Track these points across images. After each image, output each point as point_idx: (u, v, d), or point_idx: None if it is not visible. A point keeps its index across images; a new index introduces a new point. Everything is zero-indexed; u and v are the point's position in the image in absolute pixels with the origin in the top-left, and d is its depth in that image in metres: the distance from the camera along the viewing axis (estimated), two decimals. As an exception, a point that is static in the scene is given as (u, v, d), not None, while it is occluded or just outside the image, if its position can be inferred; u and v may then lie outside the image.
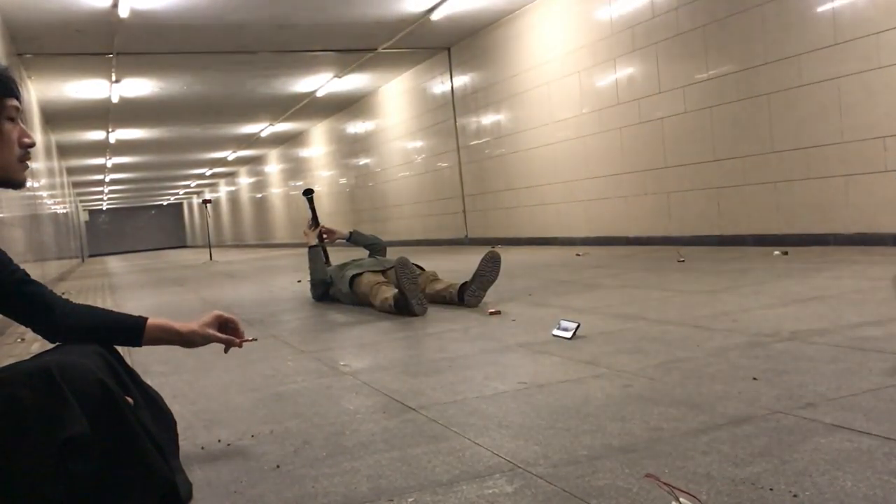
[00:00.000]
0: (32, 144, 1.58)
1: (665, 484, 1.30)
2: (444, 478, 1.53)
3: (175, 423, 1.73)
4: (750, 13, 6.36)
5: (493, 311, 3.84)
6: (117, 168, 23.74)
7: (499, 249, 4.71)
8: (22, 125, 1.58)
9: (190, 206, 44.54)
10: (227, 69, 11.78)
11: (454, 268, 6.71)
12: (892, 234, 5.38)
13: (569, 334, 2.95)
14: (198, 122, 16.83)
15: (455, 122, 11.82)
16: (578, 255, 7.39)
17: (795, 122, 6.10)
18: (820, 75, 5.83)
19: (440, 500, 1.42)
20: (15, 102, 1.55)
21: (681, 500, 1.22)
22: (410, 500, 1.43)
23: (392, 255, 4.93)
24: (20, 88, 1.60)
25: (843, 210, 5.79)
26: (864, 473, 1.36)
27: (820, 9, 5.78)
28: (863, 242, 5.57)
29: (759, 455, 1.50)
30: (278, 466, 1.71)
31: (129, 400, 1.45)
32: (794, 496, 1.29)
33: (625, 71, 7.96)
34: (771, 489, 1.33)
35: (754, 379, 2.08)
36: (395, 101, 13.99)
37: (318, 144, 19.22)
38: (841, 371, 2.10)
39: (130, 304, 6.65)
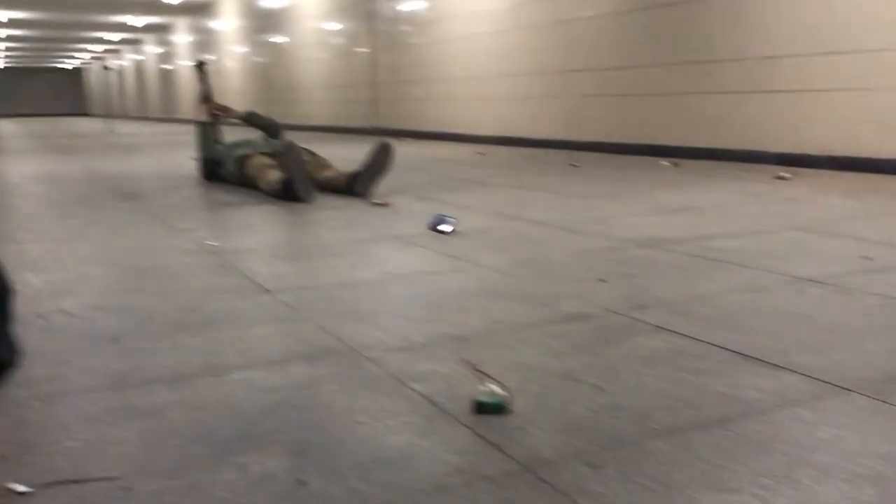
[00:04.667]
0: None
1: (477, 370, 1.36)
2: (277, 357, 1.56)
3: (10, 291, 1.68)
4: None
5: (378, 202, 3.84)
6: (13, 23, 22.12)
7: (405, 142, 4.68)
8: None
9: (93, 73, 42.13)
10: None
11: (356, 157, 6.62)
12: (774, 153, 5.59)
13: (449, 229, 2.98)
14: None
15: (374, 5, 11.43)
16: (480, 154, 7.41)
17: (699, 36, 6.16)
18: (728, -10, 5.86)
19: (265, 377, 1.44)
20: None
21: (488, 384, 1.28)
22: (235, 376, 1.45)
23: (300, 141, 4.81)
24: None
25: (734, 126, 5.95)
26: (666, 370, 1.45)
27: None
28: (749, 159, 5.77)
29: (579, 350, 1.58)
30: (117, 340, 1.70)
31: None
32: (600, 389, 1.37)
33: (544, -32, 7.80)
34: (578, 381, 1.40)
35: (602, 280, 2.17)
36: (313, -23, 13.39)
37: (229, 16, 18.31)
38: (683, 278, 2.20)
39: (10, 168, 6.34)
